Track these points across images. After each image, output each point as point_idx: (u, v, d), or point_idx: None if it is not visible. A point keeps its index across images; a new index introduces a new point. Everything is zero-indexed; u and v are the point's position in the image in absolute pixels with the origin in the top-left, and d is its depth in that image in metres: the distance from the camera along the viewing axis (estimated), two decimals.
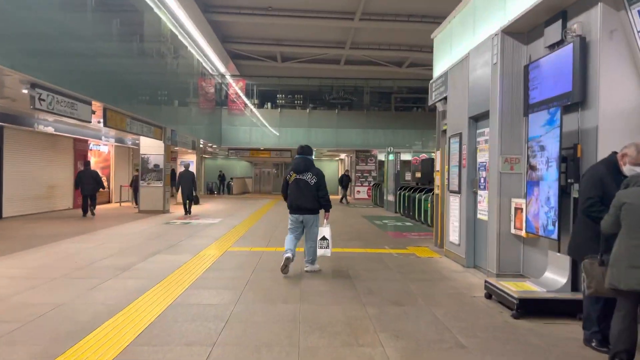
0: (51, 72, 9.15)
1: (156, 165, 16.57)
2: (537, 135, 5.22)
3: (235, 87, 27.12)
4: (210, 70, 24.48)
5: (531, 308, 4.74)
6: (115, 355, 3.65)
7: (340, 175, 26.83)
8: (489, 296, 5.47)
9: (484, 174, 7.10)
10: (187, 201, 15.81)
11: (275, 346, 3.89)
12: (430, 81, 9.69)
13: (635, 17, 4.49)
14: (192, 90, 21.63)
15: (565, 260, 4.95)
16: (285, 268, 6.52)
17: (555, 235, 4.85)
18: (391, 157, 19.62)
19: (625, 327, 3.27)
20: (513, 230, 6.15)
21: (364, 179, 28.24)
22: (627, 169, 3.94)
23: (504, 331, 4.35)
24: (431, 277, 6.69)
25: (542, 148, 5.11)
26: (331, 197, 7.32)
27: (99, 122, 12.53)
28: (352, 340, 4.03)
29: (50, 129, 15.10)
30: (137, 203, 17.09)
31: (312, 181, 6.70)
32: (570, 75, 5.01)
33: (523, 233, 5.83)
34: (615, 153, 4.07)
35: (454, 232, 8.01)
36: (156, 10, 15.39)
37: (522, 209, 5.87)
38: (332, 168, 37.16)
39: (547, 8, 5.37)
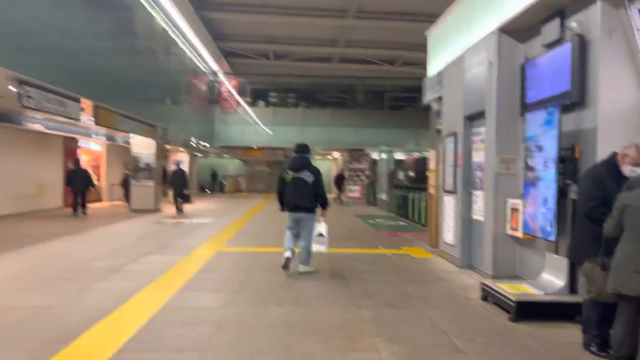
0: (39, 69, 8.98)
1: (147, 164, 16.38)
2: (534, 135, 5.15)
3: (228, 85, 26.91)
4: (202, 68, 24.27)
5: (529, 311, 4.67)
6: None
7: (335, 174, 26.68)
8: (485, 298, 5.40)
9: (479, 173, 7.03)
10: (179, 200, 15.65)
11: (269, 352, 3.79)
12: (425, 80, 9.61)
13: (635, 16, 4.42)
14: (185, 88, 21.43)
15: (562, 262, 4.88)
16: (286, 267, 6.55)
17: (553, 237, 4.79)
18: (384, 156, 19.56)
19: (628, 332, 3.20)
20: (509, 231, 6.08)
21: (357, 178, 28.16)
22: (627, 170, 3.88)
23: (501, 335, 4.27)
24: (426, 278, 6.61)
25: (540, 148, 5.04)
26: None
27: (89, 119, 12.33)
28: (348, 345, 3.94)
29: (39, 127, 14.87)
30: (128, 202, 16.90)
31: (310, 179, 6.62)
32: (568, 74, 4.94)
33: (519, 234, 5.76)
34: (615, 154, 4.00)
35: (448, 233, 7.94)
36: (147, 7, 15.19)
37: (518, 210, 5.81)
38: (324, 167, 37.05)
39: (545, 6, 5.30)
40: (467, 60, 7.22)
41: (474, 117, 7.15)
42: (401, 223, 14.14)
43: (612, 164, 3.97)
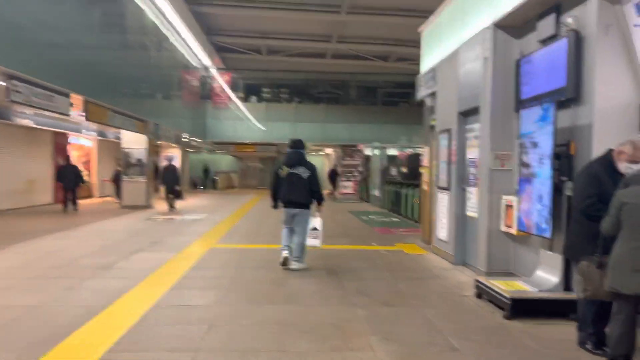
0: (28, 64, 8.83)
1: (139, 160, 16.23)
2: (529, 132, 5.12)
3: (220, 81, 26.73)
4: (194, 63, 24.08)
5: (524, 308, 4.63)
6: None
7: (328, 170, 26.60)
8: (479, 295, 5.37)
9: (473, 170, 7.00)
10: (171, 196, 15.53)
11: (263, 351, 3.73)
12: (418, 75, 9.57)
13: (632, 12, 4.39)
14: (176, 84, 21.26)
15: (557, 259, 4.86)
16: (284, 264, 6.57)
17: (548, 234, 4.76)
18: (377, 152, 19.52)
19: (625, 331, 3.17)
20: (503, 228, 6.05)
21: (350, 174, 28.11)
22: (623, 167, 3.84)
23: (497, 333, 4.24)
24: (420, 275, 6.58)
25: (535, 145, 5.00)
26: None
27: (80, 115, 12.16)
28: (342, 345, 3.88)
29: (29, 122, 14.67)
30: (119, 198, 16.75)
31: (305, 175, 6.60)
32: (564, 70, 4.90)
33: (514, 231, 5.73)
34: (611, 150, 3.96)
35: (442, 229, 7.91)
36: (138, 0, 15.02)
37: (512, 206, 5.78)
38: (316, 163, 36.95)
39: (541, 1, 5.25)
40: (462, 55, 7.17)
41: (468, 113, 7.11)
42: (394, 219, 14.12)
43: (608, 161, 3.93)
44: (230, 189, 32.10)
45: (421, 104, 9.79)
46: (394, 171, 19.81)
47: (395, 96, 30.57)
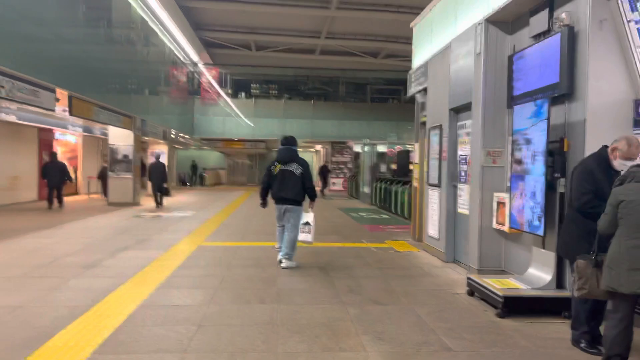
0: (10, 57, 8.61)
1: (125, 156, 16.00)
2: (522, 128, 5.07)
3: (209, 76, 26.48)
4: (182, 59, 23.81)
5: (516, 306, 4.59)
6: None
7: (319, 166, 26.47)
8: (471, 293, 5.32)
9: (464, 167, 6.95)
10: (158, 193, 15.34)
11: (252, 352, 3.64)
12: (410, 71, 9.49)
13: (626, 7, 4.34)
14: (164, 79, 21.00)
15: (550, 257, 4.82)
16: (281, 264, 6.60)
17: (541, 231, 4.71)
18: (367, 148, 19.46)
19: (621, 330, 3.12)
20: (495, 225, 6.01)
21: (339, 171, 28.05)
22: (617, 164, 3.80)
23: (490, 332, 4.18)
24: (411, 273, 6.52)
25: (528, 141, 4.95)
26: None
27: (64, 110, 11.95)
28: (333, 345, 3.80)
29: (12, 118, 14.37)
30: (105, 195, 16.51)
31: (298, 171, 6.58)
32: (557, 66, 4.85)
33: (506, 228, 5.69)
34: (606, 147, 3.92)
35: (433, 226, 7.86)
36: None
37: (504, 204, 5.73)
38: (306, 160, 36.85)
39: None
40: (454, 51, 7.11)
41: (460, 110, 7.06)
42: (384, 216, 14.07)
43: (602, 157, 3.89)
44: (218, 185, 31.89)
45: (410, 101, 9.74)
46: (383, 168, 19.78)
47: (385, 93, 30.54)
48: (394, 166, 20.38)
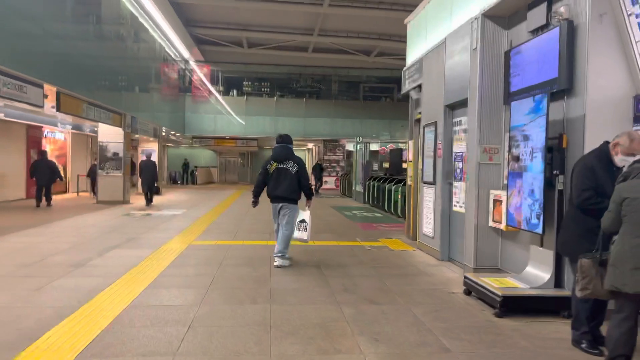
0: None
1: (115, 154, 15.78)
2: (520, 124, 4.97)
3: (200, 74, 26.25)
4: (173, 56, 23.58)
5: (514, 306, 4.50)
6: None
7: (313, 165, 26.31)
8: (468, 292, 5.23)
9: (460, 164, 6.86)
10: (149, 192, 15.15)
11: (244, 354, 3.51)
12: (404, 68, 9.39)
13: (626, 0, 4.26)
14: (154, 76, 20.76)
15: (548, 256, 4.74)
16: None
17: (540, 229, 4.62)
18: (359, 147, 19.37)
19: (625, 330, 3.03)
20: (491, 223, 5.92)
21: (331, 169, 27.94)
22: (618, 159, 3.72)
23: (488, 332, 4.08)
24: (406, 271, 6.41)
25: (526, 137, 4.86)
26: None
27: (52, 107, 11.72)
28: (328, 346, 3.68)
29: (0, 115, 14.11)
30: (95, 193, 16.28)
31: (294, 169, 6.54)
32: (555, 61, 4.76)
33: (502, 226, 5.60)
34: (607, 142, 3.83)
35: (427, 225, 7.77)
36: None
37: (501, 201, 5.64)
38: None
39: None
40: (449, 47, 7.01)
41: (456, 106, 6.97)
42: (377, 214, 13.97)
43: (604, 153, 3.80)
44: (210, 184, 31.66)
45: (403, 99, 9.64)
46: (376, 166, 19.69)
47: (378, 91, 30.46)
48: (386, 164, 20.30)
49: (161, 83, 21.83)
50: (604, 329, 3.71)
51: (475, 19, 6.10)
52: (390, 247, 8.20)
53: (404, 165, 14.63)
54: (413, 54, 8.95)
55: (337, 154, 28.29)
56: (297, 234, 6.60)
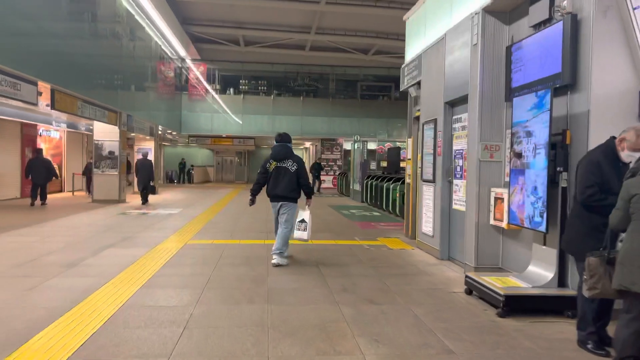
0: None
1: (111, 152, 15.64)
2: (522, 120, 4.88)
3: (196, 72, 26.09)
4: (169, 54, 23.42)
5: (517, 305, 4.42)
6: None
7: (312, 163, 26.19)
8: (469, 292, 5.14)
9: (460, 162, 6.77)
10: (144, 191, 15.01)
11: (241, 356, 3.41)
12: (402, 65, 9.29)
13: None
14: (150, 74, 20.58)
15: (551, 254, 4.65)
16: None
17: (543, 228, 4.53)
18: (357, 145, 19.28)
19: (634, 330, 2.94)
20: (492, 221, 5.83)
21: (329, 168, 27.83)
22: (625, 155, 3.63)
23: (491, 332, 3.99)
24: (406, 271, 6.32)
25: (529, 134, 4.76)
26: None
27: (47, 105, 11.58)
28: (328, 348, 3.58)
29: None
30: (90, 192, 16.12)
31: (293, 168, 6.50)
32: (559, 56, 4.67)
33: (504, 224, 5.51)
34: (613, 138, 3.74)
35: (427, 223, 7.68)
36: None
37: (502, 199, 5.55)
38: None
39: None
40: (449, 43, 6.91)
41: (456, 103, 6.88)
42: (375, 213, 13.88)
43: (610, 149, 3.71)
44: (206, 183, 31.51)
45: (401, 98, 9.56)
46: (373, 165, 19.59)
47: (375, 90, 30.35)
48: (384, 163, 20.21)
49: (157, 81, 21.67)
50: (610, 329, 3.63)
51: (476, 14, 6.01)
52: (389, 246, 8.10)
53: (402, 163, 14.55)
54: (412, 51, 8.86)
55: (335, 153, 28.17)
56: (297, 233, 6.54)
